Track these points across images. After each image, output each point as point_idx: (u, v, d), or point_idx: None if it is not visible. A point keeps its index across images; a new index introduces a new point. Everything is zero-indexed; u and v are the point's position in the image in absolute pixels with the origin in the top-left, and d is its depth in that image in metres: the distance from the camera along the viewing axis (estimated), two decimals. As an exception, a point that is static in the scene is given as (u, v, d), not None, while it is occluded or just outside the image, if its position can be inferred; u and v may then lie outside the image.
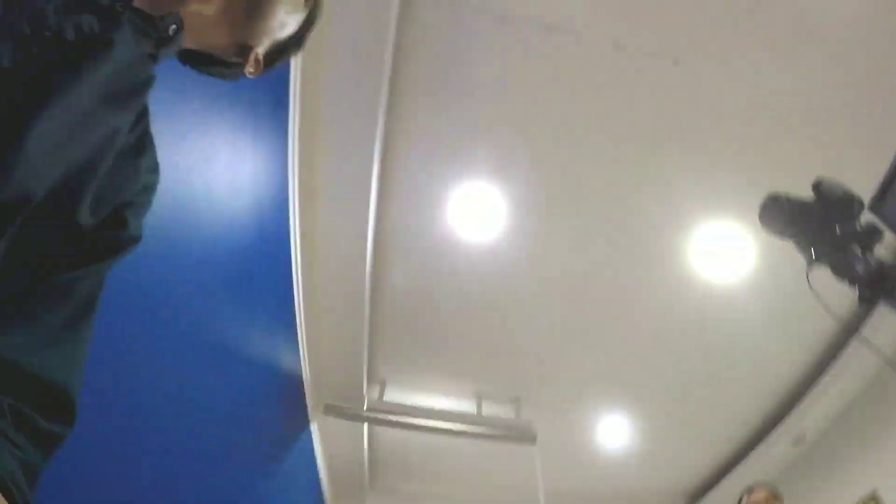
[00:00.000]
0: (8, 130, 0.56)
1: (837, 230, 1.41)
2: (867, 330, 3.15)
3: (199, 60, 0.97)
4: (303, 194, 2.60)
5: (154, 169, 0.81)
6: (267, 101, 2.25)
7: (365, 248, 2.87)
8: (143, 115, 0.77)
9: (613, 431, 4.15)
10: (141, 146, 0.77)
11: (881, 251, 1.38)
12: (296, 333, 3.06)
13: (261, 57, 1.00)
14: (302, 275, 2.84)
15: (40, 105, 0.58)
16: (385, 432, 4.21)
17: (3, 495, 0.53)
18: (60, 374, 0.64)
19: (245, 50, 0.97)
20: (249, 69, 1.00)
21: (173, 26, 0.79)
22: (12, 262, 0.60)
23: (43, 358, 0.63)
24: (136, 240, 0.76)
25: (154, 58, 0.78)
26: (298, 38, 1.05)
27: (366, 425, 4.00)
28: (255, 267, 2.42)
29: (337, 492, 4.62)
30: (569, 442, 4.23)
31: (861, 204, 1.42)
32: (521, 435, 3.78)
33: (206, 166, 1.87)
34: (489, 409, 3.91)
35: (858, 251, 1.36)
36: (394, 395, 3.98)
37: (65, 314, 0.67)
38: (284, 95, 2.29)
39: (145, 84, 0.75)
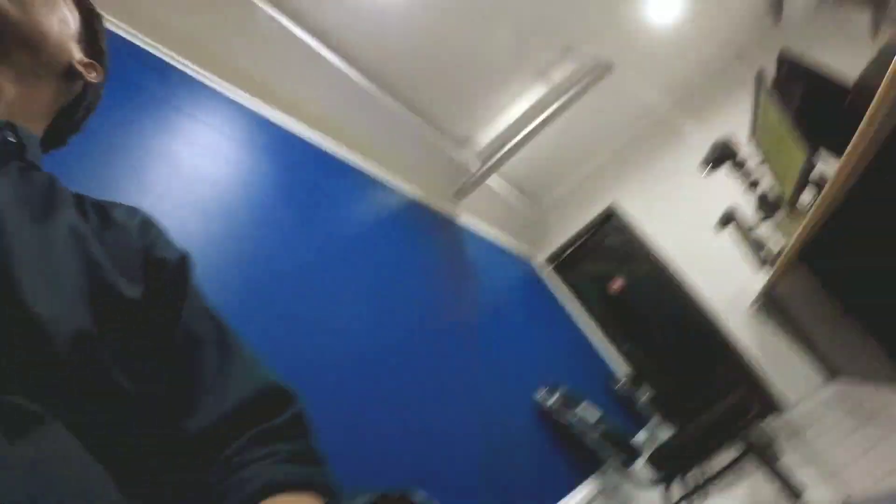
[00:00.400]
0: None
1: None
2: None
3: (61, 117, 0.91)
4: None
5: (127, 213, 0.82)
6: None
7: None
8: (64, 201, 0.76)
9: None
10: (89, 217, 0.77)
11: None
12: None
13: (84, 60, 0.91)
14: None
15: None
16: (515, 167, 4.20)
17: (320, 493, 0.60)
18: (247, 389, 0.72)
19: (70, 71, 0.89)
20: (90, 77, 0.91)
21: (8, 135, 0.76)
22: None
23: (227, 388, 0.71)
24: (182, 259, 0.80)
25: (27, 168, 0.76)
26: (86, 6, 0.96)
27: (494, 178, 4.06)
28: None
29: (520, 236, 4.87)
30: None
31: None
32: (601, 70, 3.60)
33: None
34: (558, 77, 3.72)
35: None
36: (485, 138, 3.90)
37: (211, 356, 0.74)
38: None
39: (49, 187, 0.75)
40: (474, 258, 3.57)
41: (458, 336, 2.57)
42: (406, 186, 3.16)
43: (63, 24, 0.87)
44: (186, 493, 0.65)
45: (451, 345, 2.41)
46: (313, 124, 2.59)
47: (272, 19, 2.46)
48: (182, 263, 0.80)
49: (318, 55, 2.70)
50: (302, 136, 2.47)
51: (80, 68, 0.89)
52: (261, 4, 2.41)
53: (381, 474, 1.55)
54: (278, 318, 1.59)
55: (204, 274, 0.84)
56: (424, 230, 3.06)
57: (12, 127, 0.76)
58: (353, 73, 2.90)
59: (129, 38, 1.84)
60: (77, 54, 0.89)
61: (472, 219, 3.98)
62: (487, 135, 3.84)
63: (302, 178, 2.25)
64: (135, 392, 0.68)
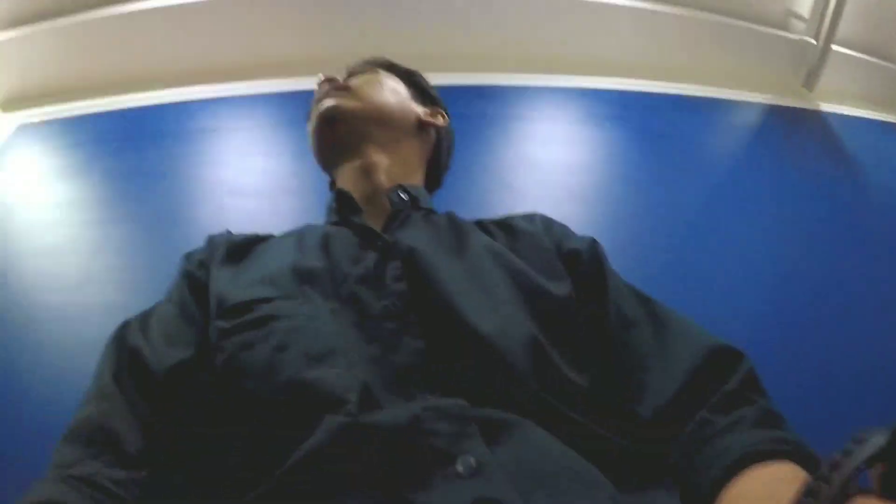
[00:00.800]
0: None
1: None
2: None
3: (431, 164, 1.11)
4: None
5: (526, 220, 0.93)
6: None
7: None
8: (469, 229, 0.87)
9: None
10: (496, 235, 0.90)
11: None
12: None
13: (426, 111, 1.09)
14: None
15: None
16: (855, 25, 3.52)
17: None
18: (693, 358, 0.72)
19: (420, 125, 1.07)
20: (438, 123, 1.09)
21: (400, 194, 0.92)
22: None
23: (673, 362, 0.73)
24: (592, 245, 0.87)
25: (426, 214, 0.90)
26: (402, 71, 1.16)
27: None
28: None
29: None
30: None
31: None
32: None
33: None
34: None
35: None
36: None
37: (647, 333, 0.78)
38: None
39: (452, 222, 0.88)
40: (853, 150, 3.09)
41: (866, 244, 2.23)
42: (750, 96, 2.94)
43: (394, 93, 1.05)
44: (653, 478, 0.63)
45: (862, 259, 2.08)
46: (633, 73, 2.68)
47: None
48: (593, 249, 0.84)
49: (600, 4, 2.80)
50: (630, 90, 2.57)
51: (427, 119, 1.06)
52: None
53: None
54: (681, 281, 1.57)
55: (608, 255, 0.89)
56: (789, 135, 2.83)
57: (401, 187, 0.91)
58: (638, 4, 2.90)
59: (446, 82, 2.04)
60: (419, 109, 1.07)
61: (836, 107, 3.40)
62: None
63: (649, 130, 2.31)
64: (586, 386, 0.72)
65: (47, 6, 2.75)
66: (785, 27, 3.31)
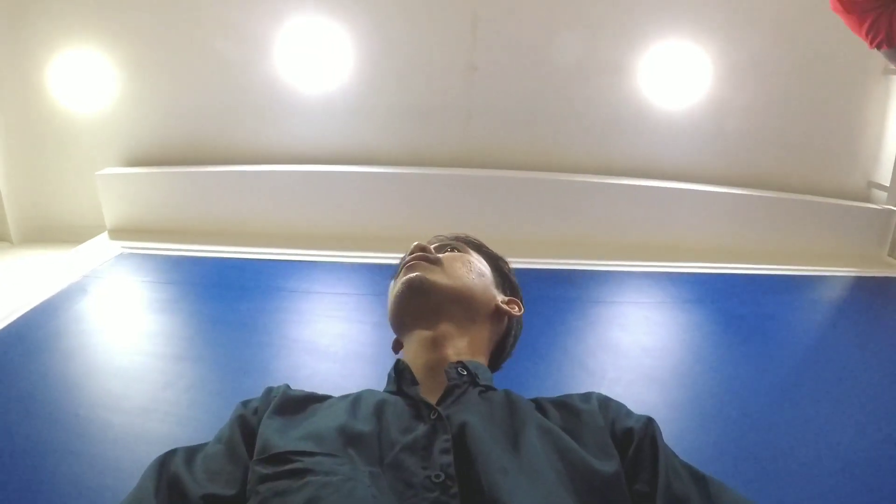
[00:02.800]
0: None
1: None
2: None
3: (496, 349, 1.13)
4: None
5: (583, 399, 0.92)
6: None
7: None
8: (524, 406, 0.88)
9: None
10: (550, 414, 0.89)
11: None
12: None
13: (505, 299, 1.13)
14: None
15: None
16: None
17: None
18: None
19: (497, 312, 1.10)
20: (514, 313, 1.11)
21: (459, 369, 0.93)
22: None
23: None
24: (647, 424, 0.86)
25: (483, 390, 0.91)
26: (491, 255, 1.21)
27: None
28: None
29: None
30: None
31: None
32: None
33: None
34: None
35: None
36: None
37: None
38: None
39: (507, 399, 0.89)
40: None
41: None
42: (834, 270, 2.90)
43: (480, 276, 1.10)
44: None
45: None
46: (714, 257, 2.76)
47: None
48: (648, 427, 0.84)
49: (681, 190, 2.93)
50: (711, 272, 2.63)
51: (505, 308, 1.10)
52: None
53: None
54: (759, 463, 1.45)
55: (674, 435, 0.90)
56: (876, 306, 2.70)
57: (461, 364, 0.93)
58: (720, 189, 2.98)
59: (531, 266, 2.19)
60: (499, 297, 1.11)
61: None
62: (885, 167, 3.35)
63: (729, 311, 2.32)
64: None
65: (166, 154, 3.07)
66: (867, 198, 3.34)
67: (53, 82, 2.99)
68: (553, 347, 1.85)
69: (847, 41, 2.42)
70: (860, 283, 2.83)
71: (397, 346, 1.13)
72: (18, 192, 3.14)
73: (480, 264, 1.14)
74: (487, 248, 1.22)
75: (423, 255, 1.08)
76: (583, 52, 2.92)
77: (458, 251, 1.15)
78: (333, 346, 1.90)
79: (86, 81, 2.97)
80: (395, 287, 1.08)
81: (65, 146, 3.10)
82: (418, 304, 1.03)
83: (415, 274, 1.03)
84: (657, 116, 3.01)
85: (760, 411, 1.64)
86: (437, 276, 1.04)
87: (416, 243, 1.11)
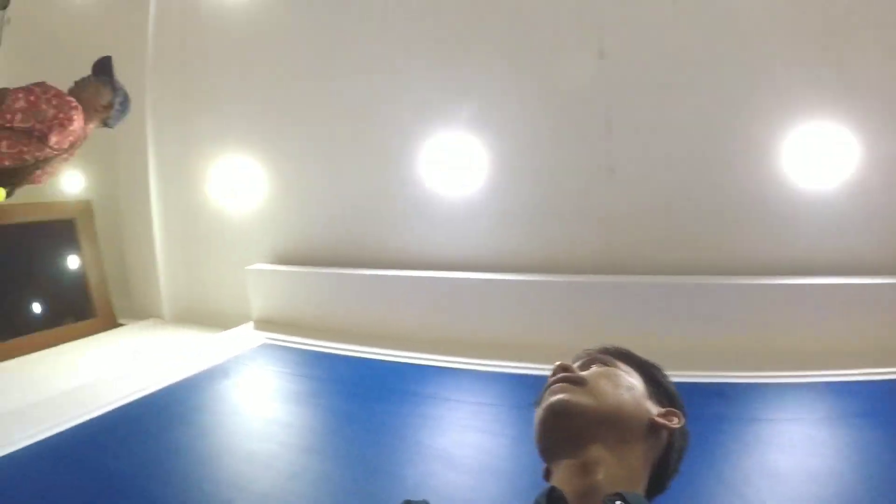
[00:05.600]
0: None
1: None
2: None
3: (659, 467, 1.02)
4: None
5: None
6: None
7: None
8: None
9: None
10: None
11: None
12: None
13: (661, 411, 1.02)
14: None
15: None
16: None
17: None
18: None
19: (652, 426, 0.99)
20: (672, 424, 0.99)
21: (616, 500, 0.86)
22: None
23: None
24: None
25: None
26: (640, 362, 1.10)
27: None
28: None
29: None
30: None
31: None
32: None
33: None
34: None
35: None
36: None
37: None
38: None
39: None
40: None
41: None
42: None
43: (629, 390, 0.99)
44: None
45: None
46: (881, 362, 2.40)
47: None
48: None
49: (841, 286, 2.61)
50: (879, 379, 2.31)
51: (661, 420, 0.98)
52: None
53: None
54: None
55: None
56: None
57: (619, 496, 0.84)
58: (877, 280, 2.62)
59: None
60: (653, 409, 0.99)
61: None
62: None
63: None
64: None
65: (312, 254, 3.18)
66: None
67: (213, 184, 3.30)
68: (705, 473, 1.66)
69: None
70: None
71: (547, 475, 1.04)
72: (175, 275, 3.37)
73: (629, 376, 1.03)
74: (636, 355, 1.11)
75: (565, 376, 0.99)
76: (720, 144, 2.74)
77: (605, 365, 1.05)
78: (468, 457, 1.76)
79: (241, 185, 3.24)
80: (538, 413, 0.99)
81: (219, 240, 3.35)
82: (563, 430, 0.94)
83: (557, 398, 0.95)
84: (807, 206, 2.71)
85: None
86: (581, 398, 0.95)
87: (558, 363, 1.02)
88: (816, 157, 2.66)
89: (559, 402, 0.94)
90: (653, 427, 0.97)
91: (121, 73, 3.11)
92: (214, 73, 3.28)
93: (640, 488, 0.94)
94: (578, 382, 0.97)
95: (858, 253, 2.71)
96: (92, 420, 1.79)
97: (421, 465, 1.72)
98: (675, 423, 0.98)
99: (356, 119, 3.08)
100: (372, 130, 3.07)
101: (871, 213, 2.71)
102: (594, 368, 1.02)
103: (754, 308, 2.60)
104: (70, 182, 3.57)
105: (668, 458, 1.00)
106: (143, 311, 3.39)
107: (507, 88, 2.90)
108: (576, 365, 1.03)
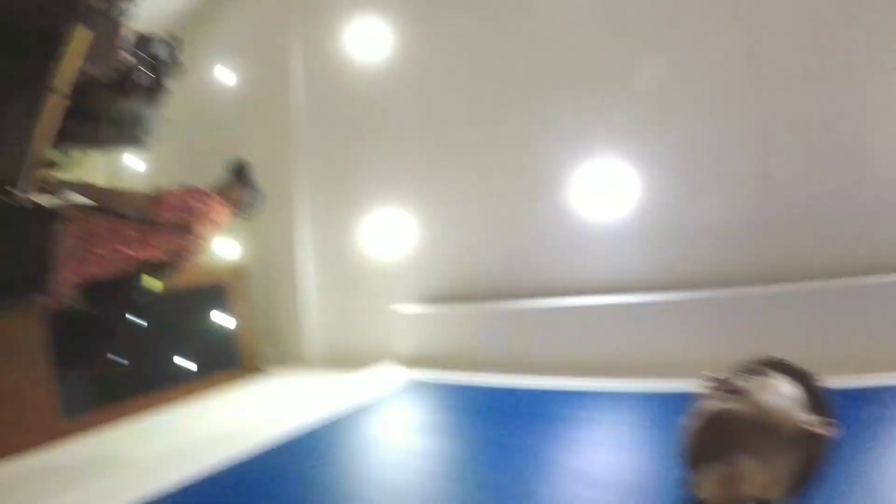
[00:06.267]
0: None
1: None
2: None
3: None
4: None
5: None
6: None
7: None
8: None
9: None
10: None
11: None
12: None
13: (808, 419, 1.02)
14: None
15: None
16: None
17: None
18: None
19: (803, 434, 1.00)
20: (823, 433, 1.00)
21: None
22: None
23: None
24: None
25: None
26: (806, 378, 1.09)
27: None
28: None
29: None
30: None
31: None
32: None
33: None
34: None
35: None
36: None
37: None
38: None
39: None
40: None
41: None
42: None
43: (783, 397, 1.02)
44: None
45: None
46: None
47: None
48: None
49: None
50: None
51: (811, 428, 1.00)
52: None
53: None
54: None
55: None
56: None
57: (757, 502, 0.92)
58: None
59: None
60: (804, 417, 1.01)
61: None
62: None
63: None
64: None
65: (460, 292, 3.25)
66: None
67: (364, 236, 3.52)
68: (861, 478, 1.50)
69: None
70: None
71: (689, 485, 1.05)
72: (323, 324, 3.62)
73: (784, 385, 1.05)
74: (791, 364, 1.10)
75: (721, 386, 1.04)
76: (877, 135, 2.51)
77: (759, 375, 1.07)
78: (608, 475, 1.74)
79: (392, 234, 3.43)
80: (693, 421, 1.03)
81: (367, 287, 3.54)
82: (716, 436, 0.98)
83: (715, 407, 0.99)
84: None
85: None
86: (738, 406, 0.99)
87: (713, 374, 1.07)
88: None
89: (718, 410, 0.98)
90: (803, 434, 0.98)
91: (271, 148, 3.48)
92: (363, 129, 3.55)
93: (781, 493, 0.96)
94: (735, 392, 1.01)
95: None
96: (240, 464, 1.91)
97: (560, 486, 1.71)
98: (826, 431, 0.97)
99: (502, 157, 3.17)
100: (519, 166, 3.14)
101: None
102: (749, 379, 1.05)
103: None
104: (225, 249, 3.90)
105: (815, 465, 1.00)
106: (289, 359, 3.66)
107: (656, 110, 2.86)
108: (732, 377, 1.06)
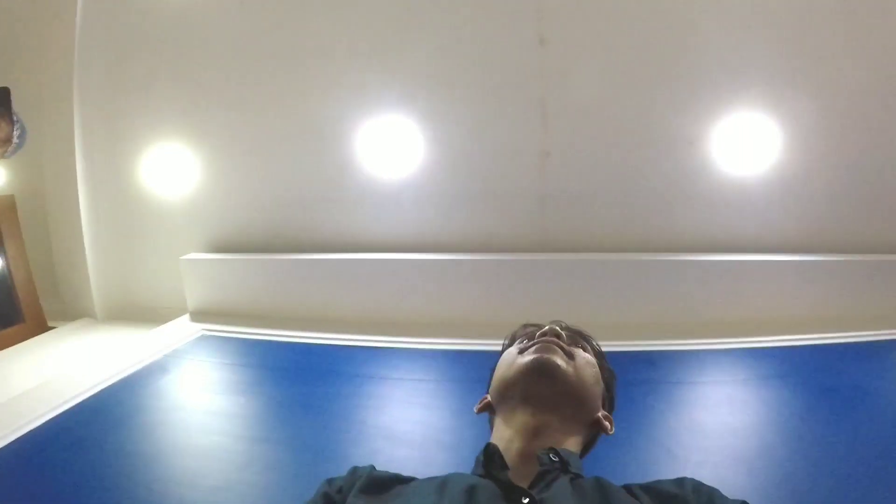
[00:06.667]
0: None
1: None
2: None
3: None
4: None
5: (676, 485, 0.89)
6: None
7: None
8: (615, 493, 0.86)
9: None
10: (643, 499, 0.86)
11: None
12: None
13: (605, 414, 1.10)
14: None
15: None
16: None
17: None
18: None
19: (594, 423, 1.07)
20: (606, 430, 1.08)
21: (551, 455, 0.92)
22: None
23: None
24: None
25: (574, 477, 0.89)
26: (608, 371, 1.18)
27: None
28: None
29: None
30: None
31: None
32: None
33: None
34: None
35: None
36: None
37: None
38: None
39: (597, 486, 0.86)
40: None
41: None
42: None
43: (597, 386, 1.09)
44: None
45: None
46: (796, 328, 2.60)
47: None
48: None
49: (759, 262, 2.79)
50: (794, 345, 2.48)
51: (605, 423, 1.09)
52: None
53: None
54: None
55: None
56: None
57: (553, 450, 0.93)
58: (796, 258, 2.82)
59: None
60: (601, 410, 1.10)
61: None
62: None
63: (817, 384, 2.17)
64: None
65: (247, 241, 3.16)
66: None
67: (143, 173, 3.21)
68: (636, 431, 1.76)
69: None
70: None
71: (487, 409, 1.11)
72: (105, 271, 3.28)
73: (600, 373, 1.13)
74: (606, 358, 1.20)
75: (559, 343, 1.07)
76: (652, 129, 2.89)
77: (586, 351, 1.13)
78: (411, 432, 1.83)
79: (173, 173, 3.16)
80: (519, 358, 1.06)
81: (151, 232, 3.27)
82: (542, 389, 1.01)
83: (553, 360, 1.02)
84: (732, 189, 2.91)
85: (856, 491, 1.49)
86: (570, 371, 1.03)
87: (552, 326, 1.11)
88: (743, 144, 2.86)
89: (555, 365, 1.02)
90: (595, 424, 1.07)
91: (45, 64, 3.02)
92: (144, 58, 3.15)
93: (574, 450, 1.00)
94: (570, 356, 1.06)
95: (777, 233, 2.94)
96: (25, 435, 1.74)
97: (366, 444, 1.77)
98: (610, 430, 1.09)
99: (291, 103, 3.05)
100: (306, 115, 3.04)
101: (789, 198, 2.93)
102: (580, 351, 1.11)
103: (682, 282, 2.80)
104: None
105: (588, 450, 1.11)
106: (75, 312, 3.30)
107: (445, 73, 2.94)
108: (564, 336, 1.12)
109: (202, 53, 3.09)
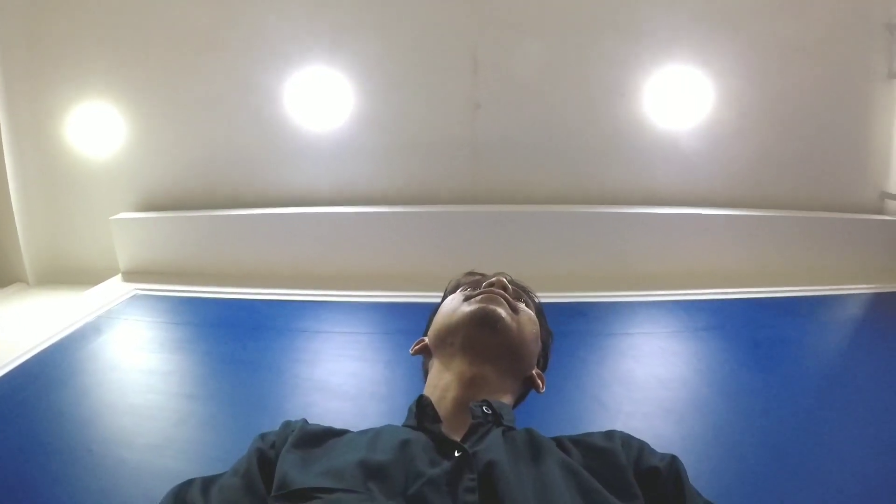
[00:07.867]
0: None
1: None
2: None
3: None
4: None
5: (605, 438, 0.91)
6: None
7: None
8: (546, 445, 0.88)
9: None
10: (572, 453, 0.88)
11: None
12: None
13: (538, 373, 1.13)
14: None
15: None
16: None
17: None
18: None
19: (528, 380, 1.11)
20: (537, 389, 1.12)
21: (484, 408, 0.94)
22: None
23: None
24: (671, 463, 0.86)
25: (507, 430, 0.91)
26: (547, 331, 1.22)
27: None
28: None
29: None
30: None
31: None
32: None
33: None
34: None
35: None
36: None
37: None
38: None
39: (529, 439, 0.88)
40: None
41: None
42: (853, 287, 2.79)
43: (536, 344, 1.12)
44: None
45: None
46: (729, 282, 2.71)
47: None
48: (673, 467, 0.84)
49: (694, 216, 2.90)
50: (726, 298, 2.58)
51: (538, 381, 1.12)
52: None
53: None
54: (783, 493, 1.40)
55: (693, 468, 0.88)
56: None
57: (486, 402, 0.95)
58: (732, 212, 2.96)
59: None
60: (535, 369, 1.12)
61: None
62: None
63: (747, 337, 2.26)
64: None
65: (178, 198, 3.13)
66: (880, 210, 3.23)
67: (70, 132, 3.11)
68: (567, 382, 1.83)
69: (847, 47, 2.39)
70: (880, 299, 2.71)
71: (423, 352, 1.14)
72: (35, 234, 3.20)
73: (539, 331, 1.15)
74: (545, 318, 1.22)
75: (505, 296, 1.08)
76: (584, 82, 2.97)
77: (528, 308, 1.15)
78: (345, 384, 1.89)
79: (100, 131, 3.08)
80: (464, 305, 1.07)
81: (80, 192, 3.19)
82: (483, 339, 1.02)
83: (499, 313, 1.04)
84: (663, 143, 3.01)
85: (782, 440, 1.57)
86: (513, 326, 1.05)
87: (499, 277, 1.13)
88: (675, 98, 2.95)
89: (500, 318, 1.03)
90: (528, 380, 1.11)
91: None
92: (67, 14, 3.01)
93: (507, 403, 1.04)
94: (515, 310, 1.08)
95: (708, 187, 3.07)
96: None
97: (302, 397, 1.83)
98: (542, 388, 1.13)
99: (218, 57, 2.99)
100: (235, 69, 3.00)
101: (720, 152, 3.06)
102: (523, 307, 1.13)
103: (613, 235, 2.90)
104: None
105: (518, 404, 1.14)
106: (7, 278, 3.23)
107: (374, 23, 2.94)
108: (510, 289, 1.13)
109: (126, 10, 2.98)
